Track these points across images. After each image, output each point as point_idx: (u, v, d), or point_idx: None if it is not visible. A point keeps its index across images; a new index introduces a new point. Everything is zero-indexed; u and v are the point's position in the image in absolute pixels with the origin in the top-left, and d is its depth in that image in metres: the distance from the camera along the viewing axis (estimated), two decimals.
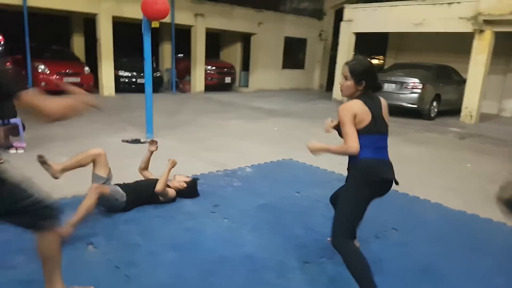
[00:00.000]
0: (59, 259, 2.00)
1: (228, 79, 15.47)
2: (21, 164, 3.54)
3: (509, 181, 1.82)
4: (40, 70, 10.75)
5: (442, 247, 3.21)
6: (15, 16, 10.53)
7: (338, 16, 16.40)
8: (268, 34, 16.13)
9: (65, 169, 3.15)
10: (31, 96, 1.65)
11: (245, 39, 16.40)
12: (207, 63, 14.61)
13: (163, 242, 2.98)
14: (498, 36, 10.70)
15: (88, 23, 12.68)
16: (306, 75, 18.48)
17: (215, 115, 9.47)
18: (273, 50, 16.66)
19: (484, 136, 8.57)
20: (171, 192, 3.66)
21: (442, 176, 5.34)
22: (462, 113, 11.07)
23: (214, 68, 15.07)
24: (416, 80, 10.30)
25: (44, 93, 1.69)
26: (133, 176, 3.86)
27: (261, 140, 6.92)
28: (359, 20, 13.27)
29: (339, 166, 5.31)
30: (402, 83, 10.44)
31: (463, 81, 11.32)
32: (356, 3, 14.15)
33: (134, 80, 12.82)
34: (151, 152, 3.90)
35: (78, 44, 13.63)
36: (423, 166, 5.85)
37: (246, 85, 16.55)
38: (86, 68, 11.66)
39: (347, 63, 2.37)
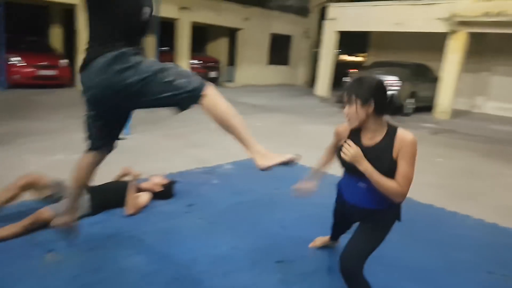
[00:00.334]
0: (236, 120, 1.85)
1: (213, 74, 15.11)
2: None
3: None
4: (14, 62, 9.94)
5: (413, 241, 3.08)
6: None
7: (323, 14, 16.17)
8: (254, 29, 15.80)
9: None
10: None
11: (232, 34, 16.04)
12: (192, 57, 14.21)
13: (131, 246, 2.72)
14: (471, 36, 10.63)
15: (67, 14, 12.00)
16: (291, 71, 18.24)
17: (199, 110, 9.15)
18: (259, 46, 16.35)
19: (456, 132, 8.51)
20: (145, 200, 3.29)
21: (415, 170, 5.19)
22: (436, 110, 11.04)
23: (199, 62, 14.69)
24: (395, 78, 10.17)
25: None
26: (107, 175, 3.56)
27: None
28: (342, 18, 13.08)
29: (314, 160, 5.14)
30: None
31: (438, 79, 11.28)
32: (340, 2, 13.91)
33: None
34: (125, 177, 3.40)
35: (56, 36, 12.91)
36: None
37: (232, 80, 16.22)
38: (63, 61, 10.80)
39: (347, 85, 1.94)
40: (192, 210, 3.40)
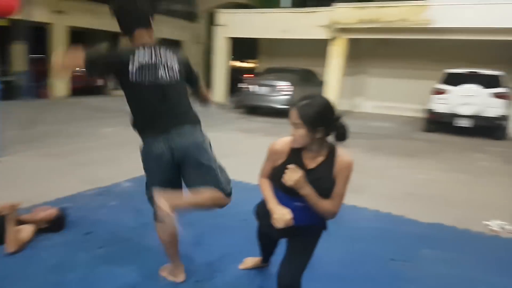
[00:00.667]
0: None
1: (99, 82, 14.05)
2: None
3: None
4: None
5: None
6: None
7: (212, 20, 16.29)
8: None
9: None
10: None
11: (115, 39, 15.07)
12: None
13: None
14: (349, 42, 11.80)
15: None
16: None
17: (86, 123, 8.40)
18: None
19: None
20: (28, 234, 2.82)
21: None
22: None
23: (82, 70, 13.46)
24: (285, 83, 10.72)
25: None
26: None
27: None
28: (232, 25, 13.34)
29: (228, 171, 5.08)
30: (273, 86, 10.77)
31: (323, 83, 12.26)
32: (228, 8, 14.18)
33: None
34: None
35: None
36: None
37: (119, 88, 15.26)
38: None
39: (296, 106, 1.83)
40: (90, 239, 3.03)
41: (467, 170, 5.91)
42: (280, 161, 2.00)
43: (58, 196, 3.77)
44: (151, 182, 2.30)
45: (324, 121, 1.79)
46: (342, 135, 1.86)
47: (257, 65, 16.89)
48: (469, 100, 8.74)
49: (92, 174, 4.73)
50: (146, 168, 2.34)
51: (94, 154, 5.77)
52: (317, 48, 12.93)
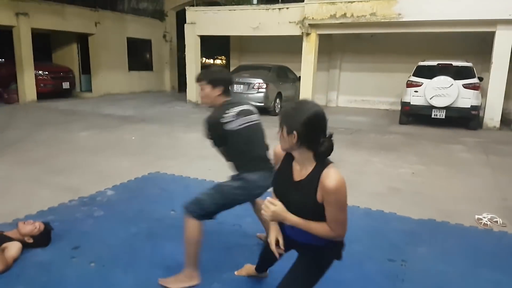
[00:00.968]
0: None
1: (66, 85, 13.50)
2: None
3: None
4: None
5: None
6: None
7: (180, 18, 16.00)
8: (108, 34, 14.67)
9: None
10: None
11: (82, 40, 14.56)
12: (37, 68, 12.41)
13: None
14: (321, 37, 11.88)
15: None
16: (156, 77, 17.56)
17: (56, 127, 8.02)
18: (116, 51, 15.25)
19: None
20: (15, 252, 2.66)
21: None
22: None
23: (47, 73, 12.93)
24: (261, 81, 10.67)
25: None
26: None
27: (119, 153, 6.04)
28: (202, 22, 13.13)
29: (209, 172, 4.99)
30: (249, 83, 10.69)
31: (298, 79, 12.30)
32: (196, 5, 13.94)
33: None
34: None
35: None
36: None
37: (90, 90, 14.76)
38: None
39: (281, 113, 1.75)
40: (79, 253, 2.87)
41: (447, 163, 6.05)
42: (277, 166, 1.95)
43: (40, 208, 3.56)
44: (217, 206, 2.52)
45: (301, 127, 1.62)
46: (324, 150, 1.68)
47: (229, 62, 16.73)
48: (443, 92, 8.98)
49: (70, 182, 4.51)
50: (234, 194, 2.50)
51: (70, 160, 5.51)
52: (290, 44, 12.96)
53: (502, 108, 9.63)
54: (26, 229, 2.81)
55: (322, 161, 1.71)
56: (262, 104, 10.64)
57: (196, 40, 13.36)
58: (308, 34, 11.69)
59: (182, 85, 15.86)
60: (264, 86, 10.66)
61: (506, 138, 8.34)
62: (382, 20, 10.46)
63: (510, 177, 5.35)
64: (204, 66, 16.42)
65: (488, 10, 9.14)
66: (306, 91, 11.84)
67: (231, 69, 14.77)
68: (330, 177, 1.63)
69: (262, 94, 10.65)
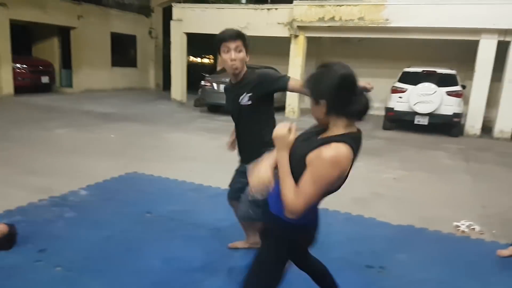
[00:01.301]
0: None
1: (45, 79, 13.19)
2: None
3: None
4: None
5: None
6: None
7: (167, 14, 15.82)
8: (91, 28, 14.40)
9: None
10: None
11: (64, 33, 14.26)
12: (15, 61, 12.10)
13: None
14: (309, 40, 11.89)
15: None
16: (140, 74, 17.32)
17: (33, 124, 7.79)
18: (99, 46, 14.98)
19: (305, 128, 9.38)
20: None
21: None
22: (286, 110, 12.01)
23: (25, 66, 12.61)
24: None
25: None
26: None
27: (98, 153, 5.87)
28: (189, 20, 13.00)
29: (190, 173, 4.90)
30: None
31: None
32: (184, 2, 13.79)
33: None
34: None
35: None
36: None
37: (70, 85, 14.45)
38: None
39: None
40: (45, 257, 2.75)
41: (430, 169, 6.10)
42: None
43: (7, 208, 3.42)
44: None
45: (330, 95, 1.47)
46: (361, 109, 1.50)
47: (217, 62, 16.64)
48: (426, 99, 9.07)
49: (44, 181, 4.36)
50: None
51: (45, 159, 5.34)
52: (278, 46, 12.93)
53: (483, 116, 9.79)
54: None
55: (351, 135, 1.51)
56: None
57: (182, 38, 13.22)
58: (296, 36, 11.68)
59: (167, 83, 15.67)
60: None
61: (486, 146, 8.47)
62: (370, 25, 10.52)
63: (489, 185, 5.42)
64: (191, 65, 16.30)
65: (473, 19, 9.28)
66: (293, 94, 11.82)
67: (218, 69, 14.70)
68: (333, 148, 1.44)
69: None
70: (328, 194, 1.56)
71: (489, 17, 9.15)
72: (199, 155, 6.09)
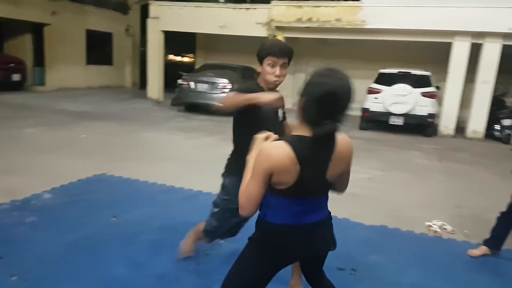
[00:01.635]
0: None
1: (16, 77, 12.70)
2: None
3: None
4: None
5: None
6: None
7: (145, 12, 15.50)
8: (66, 25, 13.96)
9: None
10: None
11: (37, 30, 13.77)
12: None
13: None
14: (288, 41, 11.85)
15: None
16: (116, 72, 16.91)
17: (1, 122, 7.45)
18: (73, 44, 14.55)
19: None
20: None
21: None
22: None
23: None
24: (226, 81, 10.47)
25: None
26: None
27: (67, 153, 5.62)
28: (166, 18, 12.77)
29: (162, 175, 4.75)
30: (213, 83, 10.47)
31: None
32: (162, 0, 13.54)
33: None
34: None
35: None
36: None
37: (43, 83, 13.97)
38: None
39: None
40: (1, 265, 2.57)
41: (405, 169, 6.12)
42: None
43: None
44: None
45: (306, 100, 1.44)
46: (321, 133, 1.44)
47: (195, 60, 16.43)
48: (401, 99, 9.16)
49: (7, 183, 4.13)
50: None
51: (12, 159, 5.09)
52: (258, 46, 12.83)
53: (457, 117, 9.95)
54: None
55: (299, 138, 1.47)
56: None
57: (159, 36, 12.98)
58: (274, 37, 11.61)
59: (143, 82, 15.35)
60: (229, 86, 10.47)
61: (460, 146, 8.61)
62: (347, 26, 10.57)
63: (462, 184, 5.47)
64: (169, 63, 16.03)
65: (447, 21, 9.42)
66: None
67: (196, 67, 14.51)
68: (272, 144, 1.47)
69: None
70: (289, 196, 1.49)
71: (462, 20, 9.31)
72: (173, 156, 5.93)
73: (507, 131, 9.17)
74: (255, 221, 1.64)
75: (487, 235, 3.30)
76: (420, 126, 9.51)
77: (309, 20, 10.89)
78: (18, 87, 12.94)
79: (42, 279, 2.47)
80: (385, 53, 12.12)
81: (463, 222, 3.98)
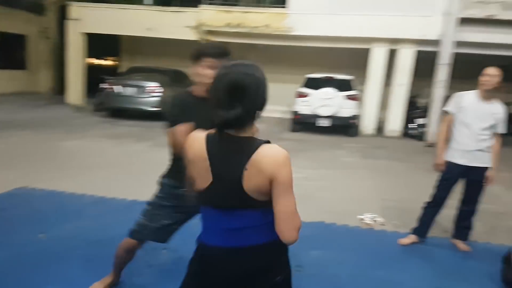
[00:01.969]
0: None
1: None
2: None
3: None
4: None
5: None
6: None
7: (63, 13, 14.45)
8: None
9: None
10: None
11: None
12: None
13: None
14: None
15: None
16: (30, 77, 15.49)
17: None
18: None
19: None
20: None
21: None
22: None
23: None
24: (155, 84, 10.15)
25: None
26: None
27: None
28: (88, 19, 12.05)
29: (91, 185, 4.43)
30: (141, 87, 10.07)
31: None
32: (82, 1, 12.74)
33: None
34: None
35: None
36: None
37: None
38: None
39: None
40: None
41: (333, 166, 6.43)
42: None
43: None
44: None
45: (213, 90, 1.38)
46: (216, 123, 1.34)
47: (118, 63, 15.69)
48: (327, 102, 9.64)
49: None
50: None
51: None
52: (188, 50, 12.61)
53: (377, 117, 10.74)
54: None
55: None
56: (158, 109, 10.12)
57: (80, 38, 12.22)
58: (205, 41, 11.54)
59: (62, 87, 14.27)
60: (159, 90, 10.15)
61: (380, 143, 9.28)
62: (275, 33, 10.86)
63: (386, 179, 5.89)
64: (91, 67, 15.07)
65: (365, 29, 10.14)
66: None
67: (121, 70, 13.86)
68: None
69: (156, 99, 10.11)
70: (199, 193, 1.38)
71: (379, 27, 10.07)
72: (102, 164, 5.57)
73: (421, 129, 10.10)
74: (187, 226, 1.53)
75: (412, 224, 3.58)
76: (344, 127, 10.07)
77: (239, 25, 11.00)
78: None
79: None
80: (312, 59, 12.66)
81: (390, 213, 4.28)
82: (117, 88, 10.13)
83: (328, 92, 9.68)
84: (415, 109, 10.90)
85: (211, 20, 11.26)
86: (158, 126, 9.47)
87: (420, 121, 10.20)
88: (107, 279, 2.45)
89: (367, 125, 10.66)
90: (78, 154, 6.22)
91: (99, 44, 14.92)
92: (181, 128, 1.98)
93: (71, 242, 3.05)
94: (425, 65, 10.38)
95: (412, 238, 3.48)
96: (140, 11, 12.13)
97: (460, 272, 3.08)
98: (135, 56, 15.08)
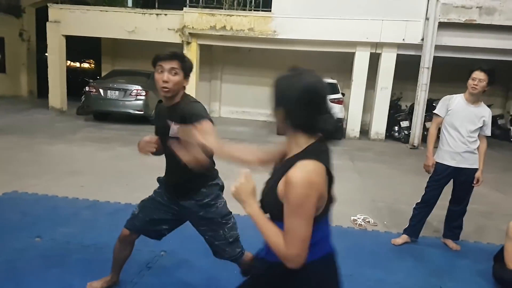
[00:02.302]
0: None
1: None
2: None
3: None
4: None
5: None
6: None
7: (41, 15, 14.21)
8: None
9: None
10: None
11: None
12: None
13: None
14: (202, 47, 11.88)
15: None
16: (9, 80, 15.13)
17: None
18: None
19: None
20: None
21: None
22: None
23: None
24: (139, 87, 10.10)
25: None
26: None
27: None
28: (68, 22, 11.89)
29: (82, 189, 4.41)
30: (125, 90, 10.01)
31: None
32: (61, 3, 12.56)
33: None
34: None
35: None
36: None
37: None
38: None
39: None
40: None
41: None
42: None
43: None
44: None
45: (288, 103, 1.30)
46: (330, 128, 1.32)
47: (100, 66, 15.49)
48: None
49: None
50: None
51: None
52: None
53: (361, 120, 10.97)
54: None
55: (313, 148, 1.30)
56: (142, 112, 10.08)
57: (61, 41, 12.02)
58: (188, 43, 11.56)
59: (42, 90, 14.00)
60: (143, 93, 10.10)
61: (365, 146, 9.49)
62: (259, 36, 10.96)
63: (374, 180, 6.04)
64: (70, 70, 14.83)
65: (349, 33, 10.35)
66: None
67: (103, 74, 13.70)
68: (301, 167, 1.23)
69: (141, 102, 10.07)
70: (320, 219, 1.32)
71: (362, 32, 10.31)
72: (90, 168, 5.53)
73: (405, 132, 10.37)
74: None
75: (403, 224, 3.71)
76: None
77: (223, 28, 11.06)
78: None
79: None
80: (296, 62, 12.26)
81: (381, 214, 4.41)
82: (101, 91, 10.03)
83: None
84: (399, 112, 11.19)
85: (194, 23, 11.28)
86: (143, 130, 9.43)
87: (404, 123, 10.48)
88: (106, 278, 2.48)
89: (352, 128, 10.88)
90: (65, 158, 6.14)
91: (78, 46, 14.73)
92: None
93: (67, 246, 3.04)
94: (408, 68, 10.69)
95: (404, 238, 3.60)
96: (121, 14, 12.04)
97: (452, 270, 3.22)
98: (117, 59, 14.95)
